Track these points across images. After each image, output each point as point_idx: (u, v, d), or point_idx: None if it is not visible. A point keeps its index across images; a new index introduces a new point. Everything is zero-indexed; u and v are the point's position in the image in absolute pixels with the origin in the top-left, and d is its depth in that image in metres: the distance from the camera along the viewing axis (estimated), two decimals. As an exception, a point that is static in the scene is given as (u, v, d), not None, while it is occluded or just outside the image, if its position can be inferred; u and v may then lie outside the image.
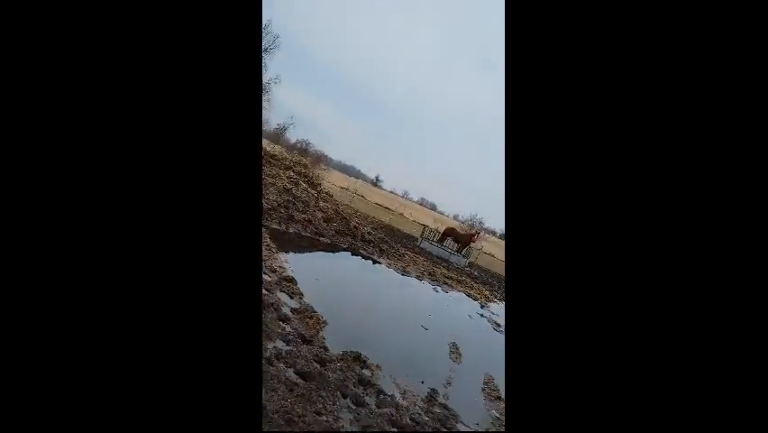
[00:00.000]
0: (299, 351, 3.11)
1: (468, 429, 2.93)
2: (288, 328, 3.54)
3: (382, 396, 3.02)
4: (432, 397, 3.41)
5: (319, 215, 9.49)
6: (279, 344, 3.11)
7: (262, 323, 3.26)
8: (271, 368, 2.63)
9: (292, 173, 10.16)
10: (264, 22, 31.64)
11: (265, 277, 4.67)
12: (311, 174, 10.92)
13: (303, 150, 38.02)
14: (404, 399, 3.18)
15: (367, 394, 2.95)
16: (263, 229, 7.07)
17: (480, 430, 2.29)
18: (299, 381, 2.65)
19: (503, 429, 3.23)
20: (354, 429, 2.44)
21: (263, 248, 5.84)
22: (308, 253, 7.81)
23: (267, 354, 2.78)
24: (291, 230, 8.25)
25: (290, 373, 2.74)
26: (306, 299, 4.55)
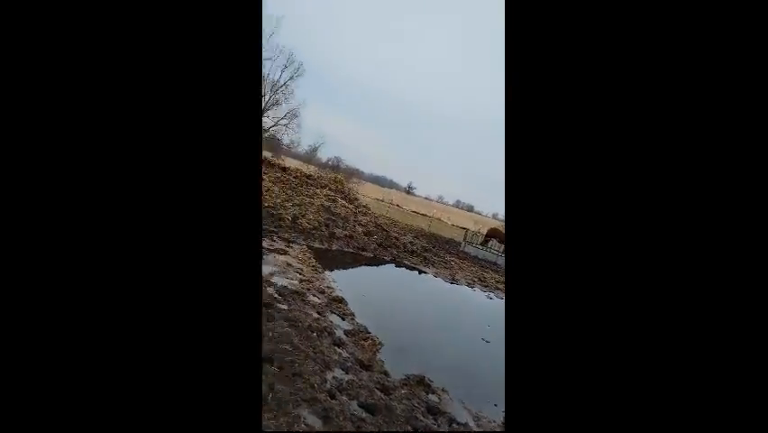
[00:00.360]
0: (360, 379, 2.91)
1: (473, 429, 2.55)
2: (344, 354, 3.36)
3: (455, 425, 2.75)
4: (508, 420, 3.08)
5: (359, 229, 9.39)
6: (338, 372, 2.93)
7: (318, 349, 3.11)
8: (334, 402, 2.45)
9: (329, 191, 10.18)
10: (287, 48, 32.84)
11: (314, 299, 4.55)
12: (347, 190, 10.90)
13: (335, 167, 38.67)
14: (479, 426, 2.89)
15: (438, 424, 2.69)
16: (307, 249, 7.04)
17: (480, 430, 2.02)
18: (365, 415, 2.43)
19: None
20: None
21: (309, 268, 5.77)
22: (353, 269, 7.69)
23: (328, 386, 2.60)
24: (334, 247, 8.18)
25: (354, 405, 2.54)
26: (359, 319, 4.38)
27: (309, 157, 38.71)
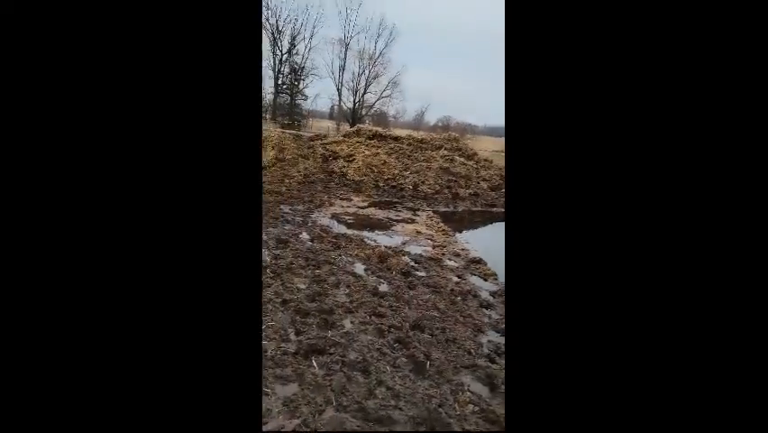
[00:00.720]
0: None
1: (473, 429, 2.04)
2: (494, 315, 3.16)
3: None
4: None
5: (484, 185, 8.87)
6: (493, 335, 2.75)
7: (465, 313, 2.98)
8: (495, 366, 2.29)
9: (445, 151, 9.83)
10: (377, 17, 32.46)
11: (451, 263, 4.43)
12: (463, 147, 10.34)
13: (445, 126, 37.53)
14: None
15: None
16: (433, 214, 6.96)
17: (479, 430, 1.67)
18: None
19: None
20: None
21: (440, 233, 5.67)
22: (485, 228, 7.33)
23: (485, 351, 2.45)
24: (460, 208, 7.91)
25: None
26: (502, 279, 4.10)
27: (417, 123, 38.40)
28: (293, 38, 28.99)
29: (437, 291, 3.44)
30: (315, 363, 1.99)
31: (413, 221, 6.38)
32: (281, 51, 28.99)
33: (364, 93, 32.47)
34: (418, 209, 7.33)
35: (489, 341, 2.63)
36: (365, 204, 7.23)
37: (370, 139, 10.06)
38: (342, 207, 6.83)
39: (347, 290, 3.07)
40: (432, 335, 2.54)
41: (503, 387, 2.10)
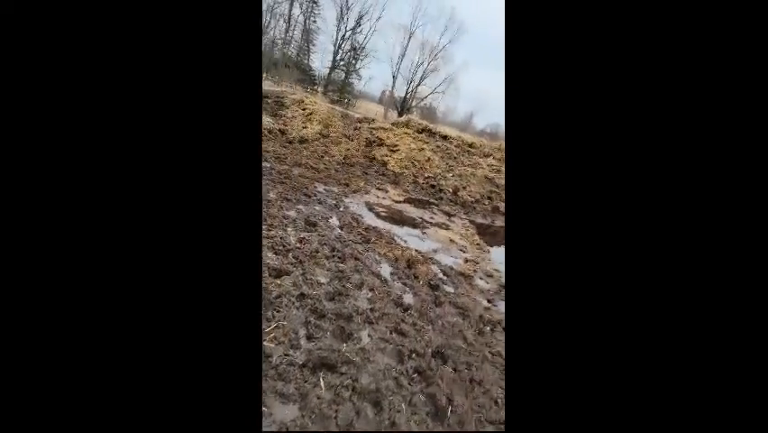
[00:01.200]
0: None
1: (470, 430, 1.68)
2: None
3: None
4: None
5: (527, 204, 8.36)
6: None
7: (494, 350, 2.65)
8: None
9: (493, 160, 9.33)
10: (448, 9, 31.55)
11: (482, 283, 4.09)
12: (513, 158, 9.80)
13: (493, 134, 36.45)
14: None
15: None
16: (470, 224, 6.58)
17: (480, 430, 1.36)
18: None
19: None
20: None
21: (474, 247, 5.31)
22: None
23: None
24: (498, 223, 7.48)
25: None
26: (535, 314, 3.72)
27: (465, 124, 37.51)
28: (360, 16, 28.82)
29: (465, 315, 3.12)
30: (322, 383, 1.74)
31: (447, 227, 6.04)
32: (345, 27, 28.87)
33: (418, 84, 32.03)
34: (454, 215, 6.97)
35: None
36: (401, 198, 6.94)
37: (419, 132, 9.68)
38: (378, 197, 6.56)
39: (370, 294, 2.81)
40: (455, 369, 2.24)
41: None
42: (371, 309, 2.56)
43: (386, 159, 8.51)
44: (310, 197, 5.12)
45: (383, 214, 5.69)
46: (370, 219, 5.12)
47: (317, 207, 4.78)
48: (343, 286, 2.76)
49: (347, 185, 6.41)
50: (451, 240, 5.34)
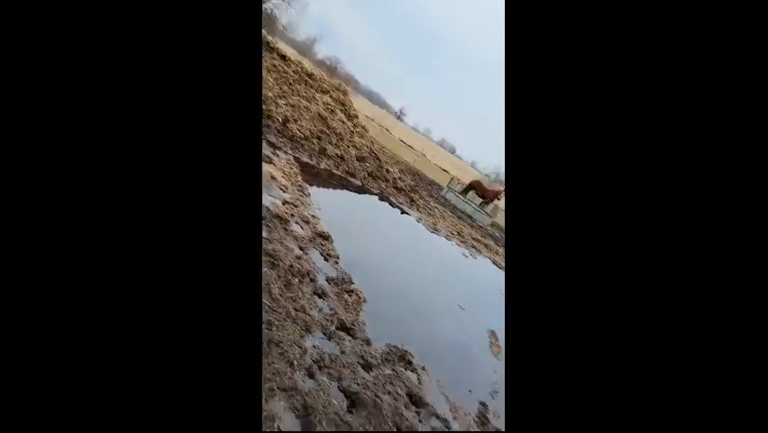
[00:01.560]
0: (343, 349, 2.49)
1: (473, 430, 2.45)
2: (325, 309, 2.90)
3: (437, 422, 2.46)
4: (483, 416, 2.88)
5: (353, 152, 8.56)
6: (320, 339, 2.47)
7: (300, 305, 2.61)
8: (310, 384, 2.00)
9: (329, 99, 8.99)
10: None
11: (298, 229, 3.97)
12: (348, 103, 9.67)
13: (332, 68, 35.57)
14: (456, 421, 2.63)
15: (422, 421, 2.38)
16: (294, 161, 6.25)
17: (479, 430, 1.95)
18: (348, 417, 2.01)
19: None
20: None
21: (295, 188, 5.08)
22: (338, 195, 7.07)
23: (307, 361, 2.14)
24: (323, 166, 7.41)
25: (335, 389, 2.12)
26: (342, 264, 3.89)
27: (305, 48, 35.17)
28: None
29: (275, 264, 2.95)
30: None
31: (270, 161, 5.56)
32: None
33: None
34: (280, 149, 6.48)
35: (314, 346, 2.33)
36: (219, 116, 5.92)
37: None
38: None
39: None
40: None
41: (321, 411, 1.83)
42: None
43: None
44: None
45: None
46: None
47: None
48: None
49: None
50: (272, 176, 4.94)
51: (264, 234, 3.36)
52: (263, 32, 9.50)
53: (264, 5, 29.12)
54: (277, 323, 2.22)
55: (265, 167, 5.11)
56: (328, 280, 3.42)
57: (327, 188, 6.98)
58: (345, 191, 7.43)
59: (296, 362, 2.05)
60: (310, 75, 9.14)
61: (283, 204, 4.29)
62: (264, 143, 6.13)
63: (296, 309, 2.52)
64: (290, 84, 8.29)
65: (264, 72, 7.84)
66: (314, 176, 6.69)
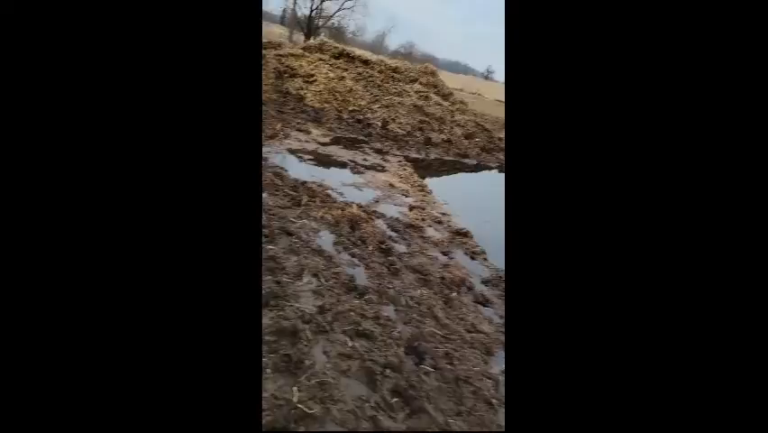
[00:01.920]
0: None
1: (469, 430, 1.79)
2: (495, 318, 2.55)
3: None
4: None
5: (458, 131, 8.00)
6: (503, 360, 2.12)
7: (470, 322, 2.31)
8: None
9: (420, 86, 8.60)
10: None
11: (434, 233, 3.70)
12: (440, 83, 9.09)
13: (407, 54, 35.05)
14: None
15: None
16: (406, 161, 6.06)
17: (479, 430, 1.41)
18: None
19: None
20: None
21: (416, 189, 4.85)
22: (454, 178, 6.64)
23: (501, 392, 1.81)
24: (432, 156, 7.07)
25: None
26: (491, 259, 3.49)
27: (377, 45, 35.41)
28: None
29: (426, 280, 2.71)
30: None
31: (383, 169, 5.46)
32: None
33: (323, 0, 28.72)
34: (387, 152, 6.37)
35: (503, 372, 1.99)
36: (327, 139, 6.09)
37: (336, 58, 8.44)
38: (300, 140, 5.65)
39: (314, 284, 2.21)
40: (436, 368, 1.82)
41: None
42: (320, 308, 1.98)
43: (302, 92, 7.36)
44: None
45: (310, 161, 4.88)
46: (296, 170, 4.32)
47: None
48: (279, 280, 2.11)
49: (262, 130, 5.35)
50: (391, 184, 4.81)
51: (403, 248, 3.17)
52: (340, 45, 9.64)
53: (332, 20, 30.26)
54: (457, 354, 1.96)
55: (381, 177, 5.01)
56: (484, 282, 3.06)
57: (442, 176, 6.62)
58: (462, 174, 6.96)
59: (494, 400, 1.75)
60: (395, 69, 8.88)
61: (410, 210, 4.08)
62: (372, 153, 6.08)
63: (467, 330, 2.23)
64: (379, 85, 8.17)
65: (352, 83, 7.88)
66: (426, 168, 6.41)
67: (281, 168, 4.20)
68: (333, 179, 4.44)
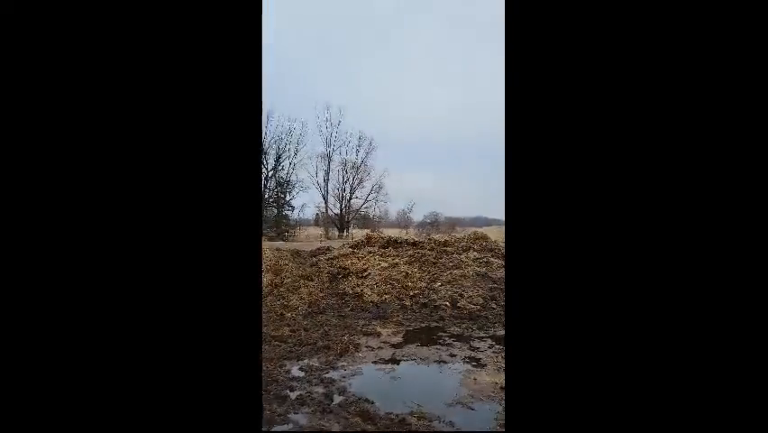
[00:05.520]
0: None
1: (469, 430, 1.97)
2: None
3: None
4: None
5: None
6: None
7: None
8: None
9: (475, 253, 8.25)
10: (356, 132, 34.34)
11: None
12: (494, 245, 8.74)
13: (434, 222, 37.37)
14: None
15: None
16: (495, 344, 5.02)
17: (478, 431, 1.60)
18: None
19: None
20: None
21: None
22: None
23: None
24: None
25: None
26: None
27: (404, 221, 38.20)
28: (278, 156, 29.97)
29: None
30: None
31: (477, 362, 4.41)
32: (267, 169, 29.70)
33: (350, 198, 32.82)
34: (471, 337, 5.40)
35: None
36: (399, 338, 5.29)
37: (384, 247, 8.47)
38: (371, 348, 4.86)
39: None
40: None
41: None
42: None
43: (358, 290, 6.99)
44: (284, 398, 3.30)
45: (395, 376, 3.96)
46: (382, 398, 3.36)
47: (302, 413, 2.98)
48: None
49: (328, 348, 4.66)
50: (495, 383, 3.70)
51: None
52: (387, 234, 9.89)
53: (359, 213, 33.78)
54: None
55: (484, 377, 3.94)
56: None
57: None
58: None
59: None
60: (445, 243, 8.75)
61: None
62: (456, 343, 5.13)
63: None
64: (434, 263, 7.84)
65: (407, 267, 7.58)
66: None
67: (366, 399, 3.29)
68: (429, 396, 3.41)
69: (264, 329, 5.20)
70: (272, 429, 1.15)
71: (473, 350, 4.85)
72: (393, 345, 4.98)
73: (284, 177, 30.60)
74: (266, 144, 29.51)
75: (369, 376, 3.97)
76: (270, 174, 30.14)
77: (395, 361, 4.43)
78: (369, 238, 9.14)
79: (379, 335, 5.41)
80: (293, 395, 3.35)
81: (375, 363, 4.33)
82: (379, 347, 4.93)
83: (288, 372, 3.91)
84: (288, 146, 30.46)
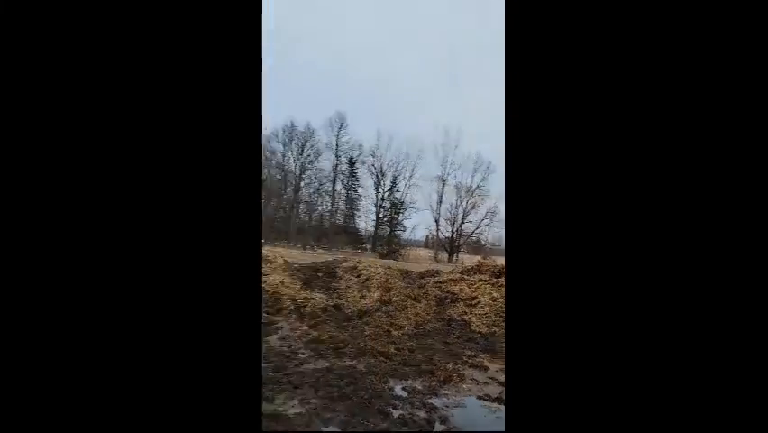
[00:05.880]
0: None
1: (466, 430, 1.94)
2: None
3: None
4: None
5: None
6: None
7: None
8: None
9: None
10: (473, 154, 33.92)
11: None
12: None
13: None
14: None
15: None
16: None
17: (477, 431, 1.61)
18: None
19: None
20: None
21: None
22: None
23: None
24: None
25: None
26: None
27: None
28: (395, 177, 31.41)
29: None
30: None
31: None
32: (383, 190, 31.33)
33: (462, 223, 32.24)
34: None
35: None
36: (508, 376, 4.89)
37: (497, 276, 8.07)
38: (477, 381, 4.62)
39: None
40: None
41: None
42: None
43: (466, 318, 6.76)
44: (387, 414, 3.35)
45: (500, 416, 3.68)
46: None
47: (404, 438, 2.97)
48: None
49: (432, 372, 4.59)
50: None
51: None
52: (492, 261, 9.43)
53: (470, 238, 32.83)
54: None
55: None
56: None
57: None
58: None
59: None
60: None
61: None
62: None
63: None
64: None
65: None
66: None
67: (470, 435, 3.12)
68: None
69: (371, 343, 5.41)
70: (273, 430, 1.19)
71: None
72: (500, 383, 4.65)
73: (398, 198, 31.86)
74: (384, 167, 31.29)
75: (472, 410, 3.77)
76: (386, 195, 31.71)
77: (501, 400, 4.12)
78: (480, 265, 8.81)
79: (486, 369, 5.12)
80: (395, 413, 3.38)
81: (480, 398, 4.10)
82: (485, 382, 4.65)
83: (392, 389, 3.97)
84: (403, 168, 31.75)
